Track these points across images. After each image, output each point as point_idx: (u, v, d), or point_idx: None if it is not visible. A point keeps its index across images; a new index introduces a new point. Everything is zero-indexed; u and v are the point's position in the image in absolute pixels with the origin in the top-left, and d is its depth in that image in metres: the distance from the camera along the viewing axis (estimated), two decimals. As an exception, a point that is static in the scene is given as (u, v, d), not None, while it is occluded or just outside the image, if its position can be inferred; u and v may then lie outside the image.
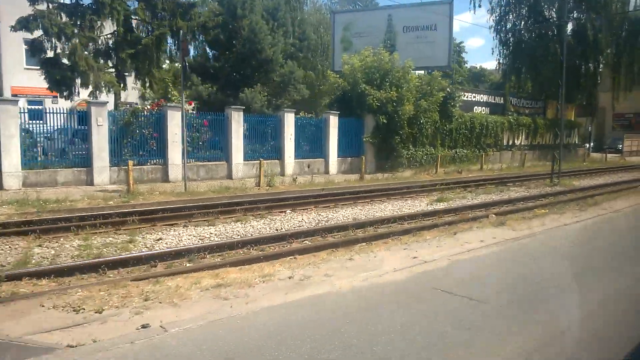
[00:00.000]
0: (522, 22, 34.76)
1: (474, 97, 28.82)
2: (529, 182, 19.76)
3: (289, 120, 18.79)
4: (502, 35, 34.64)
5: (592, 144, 52.13)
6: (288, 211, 11.54)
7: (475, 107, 28.75)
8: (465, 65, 56.43)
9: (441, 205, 12.87)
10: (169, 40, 20.52)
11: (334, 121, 20.35)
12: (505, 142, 29.88)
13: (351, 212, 11.74)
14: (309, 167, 19.78)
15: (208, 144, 16.88)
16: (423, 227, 9.37)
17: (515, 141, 30.76)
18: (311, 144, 20.17)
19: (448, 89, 24.85)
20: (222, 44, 23.02)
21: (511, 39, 34.77)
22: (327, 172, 20.18)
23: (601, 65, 37.57)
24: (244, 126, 17.44)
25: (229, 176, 16.89)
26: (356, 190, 14.98)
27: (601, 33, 33.08)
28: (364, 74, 21.36)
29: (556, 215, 10.99)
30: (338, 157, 20.71)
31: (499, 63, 36.01)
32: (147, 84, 21.02)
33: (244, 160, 17.44)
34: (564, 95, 19.86)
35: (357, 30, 28.02)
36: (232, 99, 21.37)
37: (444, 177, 20.18)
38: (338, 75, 22.12)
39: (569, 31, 35.98)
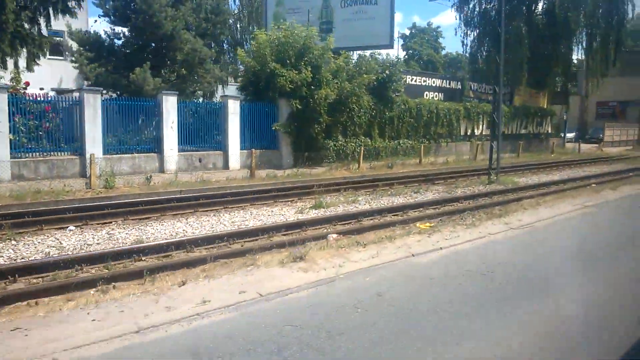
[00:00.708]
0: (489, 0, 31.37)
1: (425, 81, 25.55)
2: (464, 180, 16.66)
3: (170, 104, 15.57)
4: (465, 14, 31.28)
5: (568, 133, 49.19)
6: (71, 227, 8.41)
7: (427, 92, 25.51)
8: (442, 51, 53.05)
9: (311, 214, 9.80)
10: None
11: (234, 107, 17.15)
12: (462, 132, 26.70)
13: (159, 229, 8.61)
14: (200, 161, 16.61)
15: (55, 134, 13.68)
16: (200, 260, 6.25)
17: (475, 131, 27.58)
18: (207, 133, 17.00)
19: (387, 72, 21.63)
20: (120, 15, 19.71)
21: (476, 19, 31.39)
22: (226, 167, 17.02)
23: (580, 50, 34.20)
24: (105, 112, 14.23)
25: (83, 174, 13.72)
26: (219, 193, 11.87)
27: (570, 12, 29.71)
28: (275, 52, 18.13)
29: (435, 237, 7.89)
30: (242, 149, 17.54)
31: (463, 45, 32.70)
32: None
33: (105, 154, 14.24)
34: (501, 74, 16.60)
35: (290, 6, 24.70)
36: (126, 81, 18.21)
37: (364, 174, 17.05)
38: (246, 54, 18.84)
39: (539, 10, 32.72)
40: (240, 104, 17.49)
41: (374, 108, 21.17)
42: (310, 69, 17.86)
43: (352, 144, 20.39)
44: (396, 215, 9.84)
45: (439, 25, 57.91)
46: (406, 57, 53.14)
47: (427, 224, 8.97)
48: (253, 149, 16.03)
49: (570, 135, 49.26)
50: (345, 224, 8.93)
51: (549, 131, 34.18)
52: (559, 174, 19.32)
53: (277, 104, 18.34)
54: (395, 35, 34.77)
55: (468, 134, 27.07)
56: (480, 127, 27.89)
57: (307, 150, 18.80)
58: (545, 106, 34.41)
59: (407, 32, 55.01)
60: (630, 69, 48.63)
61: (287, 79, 17.54)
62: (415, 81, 24.95)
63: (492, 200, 11.93)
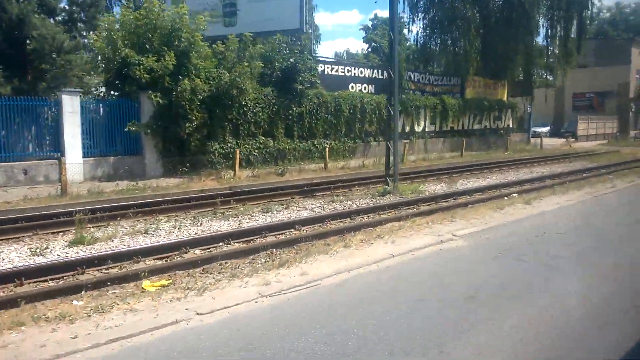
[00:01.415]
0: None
1: (350, 71, 22.08)
2: (362, 189, 13.29)
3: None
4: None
5: (542, 127, 45.89)
6: None
7: (353, 84, 22.07)
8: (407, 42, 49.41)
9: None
10: None
11: (71, 104, 13.66)
12: (400, 129, 23.25)
13: None
14: (26, 173, 13.13)
15: None
16: None
17: (416, 127, 24.17)
18: (36, 139, 13.54)
19: (291, 59, 18.23)
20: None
21: (422, 1, 28.02)
22: (60, 179, 13.53)
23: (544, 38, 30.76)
24: None
25: None
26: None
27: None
28: (132, 37, 14.69)
29: (135, 316, 4.50)
30: (88, 156, 14.09)
31: (408, 32, 29.34)
32: None
33: None
34: (395, 54, 13.16)
35: (191, -14, 21.18)
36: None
37: (233, 184, 13.60)
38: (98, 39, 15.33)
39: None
40: (81, 101, 13.99)
41: (275, 103, 17.74)
42: (174, 55, 14.42)
43: (248, 146, 16.98)
44: (160, 258, 6.43)
45: (403, 16, 53.98)
46: (369, 50, 49.72)
47: (159, 283, 5.55)
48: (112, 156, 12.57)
49: (544, 129, 46.10)
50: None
51: (510, 126, 30.78)
52: (494, 178, 15.95)
53: (138, 100, 14.89)
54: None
55: (407, 130, 23.65)
56: (422, 123, 24.47)
57: (180, 155, 15.35)
58: (505, 98, 31.02)
59: (370, 24, 51.53)
60: (609, 57, 45.41)
61: (144, 67, 14.10)
62: (338, 71, 21.48)
63: (356, 222, 8.55)
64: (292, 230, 8.20)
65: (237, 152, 15.47)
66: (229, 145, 16.49)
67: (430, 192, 12.73)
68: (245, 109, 16.76)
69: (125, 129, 14.26)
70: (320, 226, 8.47)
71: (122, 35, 14.48)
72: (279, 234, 7.88)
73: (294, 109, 18.44)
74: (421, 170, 16.87)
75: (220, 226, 8.80)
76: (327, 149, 17.18)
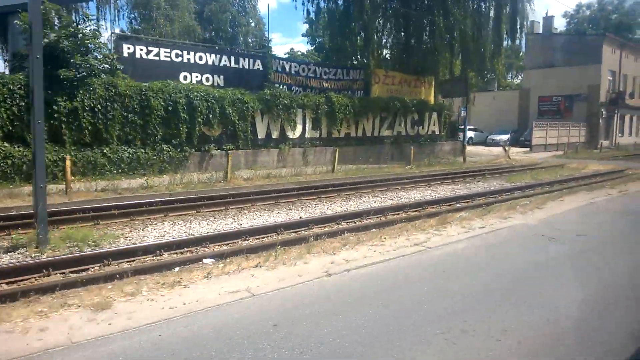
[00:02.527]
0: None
1: (180, 56, 16.63)
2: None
3: None
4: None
5: (501, 135, 40.50)
6: None
7: (187, 73, 16.71)
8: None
9: None
10: None
11: None
12: (263, 135, 17.90)
13: None
14: None
15: None
16: None
17: (290, 133, 18.78)
18: None
19: (53, 35, 12.92)
20: None
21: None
22: None
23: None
24: None
25: None
26: None
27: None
28: None
29: None
30: None
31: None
32: None
33: None
34: None
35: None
36: None
37: None
38: None
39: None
40: None
41: (25, 96, 12.39)
42: None
43: (-30, 157, 11.62)
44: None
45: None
46: (314, 47, 44.38)
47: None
48: None
49: (504, 137, 40.69)
50: None
51: (437, 132, 25.36)
52: (305, 211, 10.52)
53: None
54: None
55: (274, 137, 18.26)
56: (300, 127, 19.08)
57: None
58: (431, 99, 25.63)
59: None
60: (579, 56, 40.04)
61: None
62: (160, 56, 16.09)
63: None
64: None
65: None
66: None
67: (121, 244, 7.32)
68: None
69: None
70: None
71: None
72: None
73: (61, 103, 13.07)
74: (218, 195, 11.45)
75: None
76: (67, 164, 11.65)
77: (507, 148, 25.82)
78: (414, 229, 7.89)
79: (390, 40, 24.06)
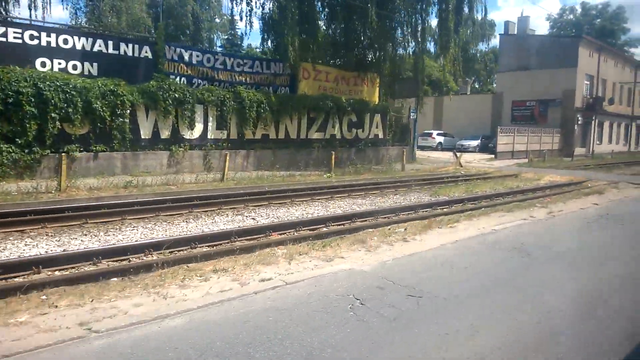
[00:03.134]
0: None
1: (35, 37, 13.73)
2: None
3: None
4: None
5: (472, 141, 37.86)
6: None
7: (47, 59, 13.86)
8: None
9: None
10: None
11: None
12: (148, 135, 15.05)
13: None
14: None
15: None
16: None
17: (186, 133, 15.96)
18: None
19: None
20: None
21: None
22: None
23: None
24: None
25: None
26: None
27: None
28: None
29: None
30: None
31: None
32: None
33: None
34: None
35: None
36: None
37: None
38: None
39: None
40: None
41: None
42: None
43: None
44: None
45: None
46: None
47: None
48: None
49: (473, 143, 38.06)
50: None
51: (382, 136, 22.61)
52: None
53: None
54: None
55: (163, 136, 15.42)
56: (201, 126, 16.26)
57: None
58: (375, 99, 22.90)
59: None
60: (555, 59, 37.51)
61: None
62: (7, 37, 13.19)
63: None
64: None
65: None
66: None
67: None
68: None
69: None
70: None
71: None
72: None
73: None
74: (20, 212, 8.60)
75: None
76: None
77: (458, 155, 23.06)
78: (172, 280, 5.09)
79: (325, 30, 21.22)
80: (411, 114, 23.59)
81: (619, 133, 44.77)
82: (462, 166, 22.25)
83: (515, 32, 40.59)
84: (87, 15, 37.45)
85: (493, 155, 30.79)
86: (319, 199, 12.05)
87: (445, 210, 10.28)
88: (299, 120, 18.99)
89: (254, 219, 9.38)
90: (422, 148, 39.52)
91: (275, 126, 18.31)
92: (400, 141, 24.31)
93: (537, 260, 6.29)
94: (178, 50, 16.57)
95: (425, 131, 40.80)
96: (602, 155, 37.67)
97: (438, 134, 40.37)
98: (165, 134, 15.38)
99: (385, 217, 9.27)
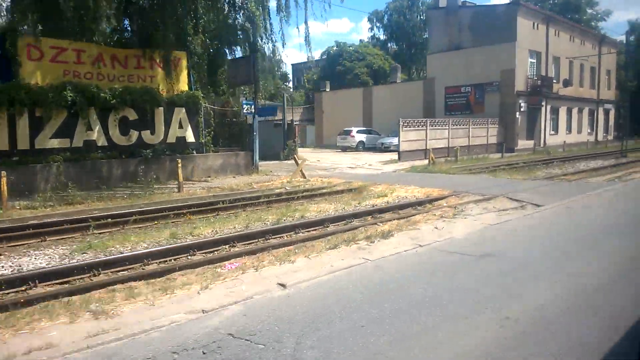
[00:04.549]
0: None
1: None
2: None
3: None
4: None
5: (392, 138, 31.20)
6: None
7: None
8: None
9: None
10: None
11: None
12: None
13: None
14: None
15: None
16: None
17: None
18: None
19: None
20: None
21: None
22: None
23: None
24: None
25: None
26: None
27: None
28: None
29: None
30: None
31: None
32: None
33: None
34: None
35: None
36: None
37: None
38: None
39: None
40: None
41: None
42: None
43: None
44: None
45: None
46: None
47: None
48: None
49: (394, 140, 31.40)
50: None
51: (194, 140, 16.10)
52: None
53: None
54: None
55: None
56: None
57: None
58: (182, 87, 16.37)
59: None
60: (488, 34, 30.89)
61: None
62: None
63: None
64: None
65: None
66: None
67: None
68: None
69: None
70: None
71: None
72: None
73: None
74: None
75: None
76: None
77: (299, 160, 16.45)
78: None
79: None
80: (244, 106, 17.05)
81: (581, 121, 38.00)
82: (304, 177, 15.70)
83: (446, 5, 33.85)
84: None
85: (397, 157, 24.19)
86: None
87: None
88: (16, 122, 12.53)
89: None
90: (344, 149, 33.10)
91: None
92: (238, 145, 17.82)
93: None
94: None
95: (345, 129, 34.27)
96: (555, 148, 31.07)
97: (359, 132, 33.76)
98: None
99: None
